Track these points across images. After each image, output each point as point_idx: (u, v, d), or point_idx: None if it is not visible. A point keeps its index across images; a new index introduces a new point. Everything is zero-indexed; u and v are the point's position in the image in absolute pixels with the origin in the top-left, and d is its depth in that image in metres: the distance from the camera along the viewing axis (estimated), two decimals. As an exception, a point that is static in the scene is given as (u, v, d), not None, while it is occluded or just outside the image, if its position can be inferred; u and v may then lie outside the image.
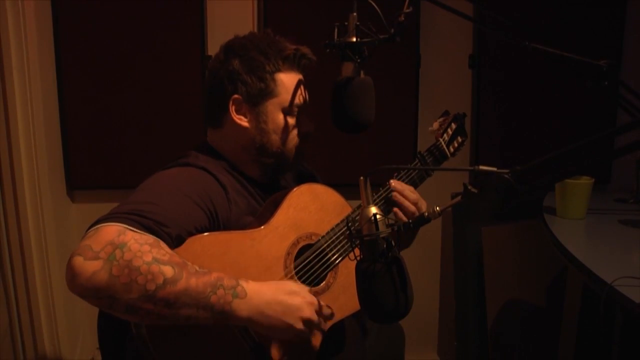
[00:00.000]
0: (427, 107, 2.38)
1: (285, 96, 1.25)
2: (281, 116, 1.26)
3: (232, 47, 1.25)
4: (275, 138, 1.26)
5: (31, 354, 2.23)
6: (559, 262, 1.85)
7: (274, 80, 1.24)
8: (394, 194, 1.35)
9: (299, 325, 1.08)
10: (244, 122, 1.25)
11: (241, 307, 1.01)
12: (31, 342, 2.23)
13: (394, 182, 1.36)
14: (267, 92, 1.24)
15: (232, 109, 1.24)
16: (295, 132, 1.29)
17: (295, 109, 1.27)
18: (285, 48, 1.25)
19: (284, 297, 1.07)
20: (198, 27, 2.27)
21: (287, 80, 1.25)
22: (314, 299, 1.12)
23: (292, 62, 1.26)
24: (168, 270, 0.95)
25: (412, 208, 1.35)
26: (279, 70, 1.24)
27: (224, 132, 1.28)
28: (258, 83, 1.23)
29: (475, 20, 2.13)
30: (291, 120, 1.27)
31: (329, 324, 1.21)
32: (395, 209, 1.35)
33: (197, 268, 0.99)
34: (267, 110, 1.25)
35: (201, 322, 0.99)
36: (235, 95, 1.23)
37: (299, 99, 1.27)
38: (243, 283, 1.03)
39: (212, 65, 1.27)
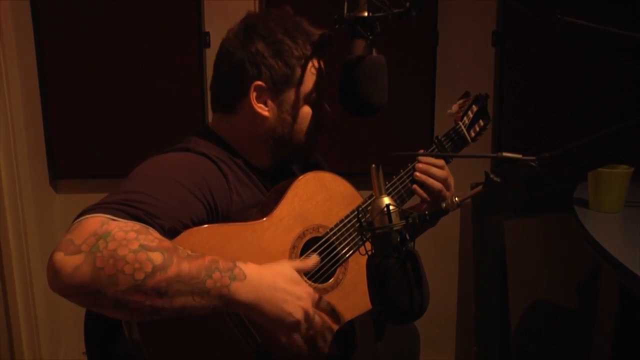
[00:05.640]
0: (445, 88, 2.38)
1: (309, 84, 1.26)
2: (304, 106, 1.27)
3: (254, 27, 1.24)
4: (296, 129, 1.28)
5: (8, 362, 2.25)
6: (591, 259, 1.85)
7: (301, 67, 1.24)
8: (416, 173, 1.37)
9: (299, 315, 1.08)
10: (264, 111, 1.25)
11: (240, 291, 1.02)
12: (7, 348, 2.24)
13: (420, 159, 1.38)
14: (293, 79, 1.24)
15: (252, 95, 1.24)
16: (315, 122, 1.30)
17: (317, 98, 1.29)
18: (311, 32, 1.25)
19: (285, 284, 1.08)
20: (194, 2, 2.27)
21: (313, 68, 1.26)
22: (313, 292, 1.14)
23: (318, 48, 1.26)
24: (157, 257, 0.96)
25: (438, 185, 1.37)
26: (306, 57, 1.24)
27: (236, 118, 1.28)
28: (284, 69, 1.23)
29: (500, -8, 2.13)
30: (312, 110, 1.29)
31: (339, 323, 1.22)
32: (415, 186, 1.37)
33: (189, 252, 1.00)
34: (290, 99, 1.25)
35: (199, 312, 1.00)
36: (258, 82, 1.23)
37: (321, 88, 1.28)
38: (241, 265, 1.04)
39: (230, 45, 1.26)
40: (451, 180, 1.40)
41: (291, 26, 1.24)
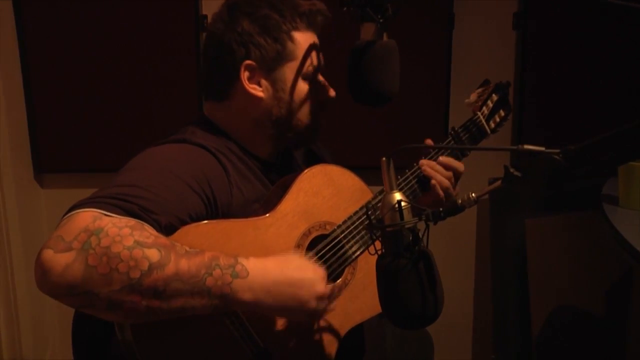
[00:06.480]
0: (462, 76, 2.37)
1: (303, 59, 1.27)
2: (300, 82, 1.29)
3: (237, 5, 1.26)
4: (294, 108, 1.29)
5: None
6: (622, 261, 1.84)
7: (292, 40, 1.26)
8: (424, 168, 1.38)
9: (313, 303, 1.10)
10: (258, 91, 1.27)
11: (244, 289, 1.03)
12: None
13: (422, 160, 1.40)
14: (285, 54, 1.26)
15: (244, 76, 1.25)
16: (315, 100, 1.31)
17: (314, 74, 1.30)
18: (299, 4, 1.27)
19: (293, 272, 1.10)
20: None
21: (305, 40, 1.28)
22: (325, 273, 1.15)
23: (309, 20, 1.28)
24: (153, 254, 0.96)
25: (446, 183, 1.39)
26: (296, 30, 1.26)
27: (231, 105, 1.30)
28: (274, 45, 1.25)
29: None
30: (311, 87, 1.30)
31: (347, 327, 1.24)
32: (433, 182, 1.38)
33: (187, 248, 1.01)
34: (284, 76, 1.27)
35: (198, 312, 1.01)
36: (248, 61, 1.25)
37: (317, 62, 1.30)
38: (243, 260, 1.06)
39: (214, 28, 1.28)
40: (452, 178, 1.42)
41: (276, 0, 1.26)
